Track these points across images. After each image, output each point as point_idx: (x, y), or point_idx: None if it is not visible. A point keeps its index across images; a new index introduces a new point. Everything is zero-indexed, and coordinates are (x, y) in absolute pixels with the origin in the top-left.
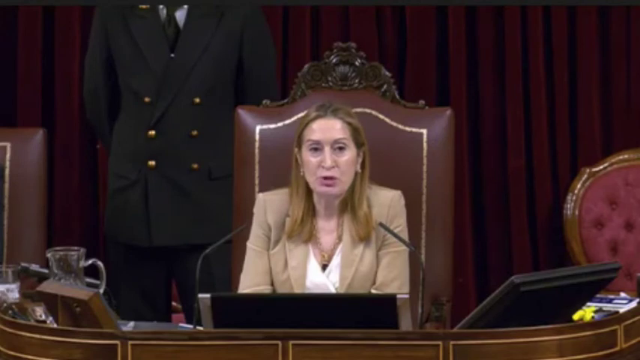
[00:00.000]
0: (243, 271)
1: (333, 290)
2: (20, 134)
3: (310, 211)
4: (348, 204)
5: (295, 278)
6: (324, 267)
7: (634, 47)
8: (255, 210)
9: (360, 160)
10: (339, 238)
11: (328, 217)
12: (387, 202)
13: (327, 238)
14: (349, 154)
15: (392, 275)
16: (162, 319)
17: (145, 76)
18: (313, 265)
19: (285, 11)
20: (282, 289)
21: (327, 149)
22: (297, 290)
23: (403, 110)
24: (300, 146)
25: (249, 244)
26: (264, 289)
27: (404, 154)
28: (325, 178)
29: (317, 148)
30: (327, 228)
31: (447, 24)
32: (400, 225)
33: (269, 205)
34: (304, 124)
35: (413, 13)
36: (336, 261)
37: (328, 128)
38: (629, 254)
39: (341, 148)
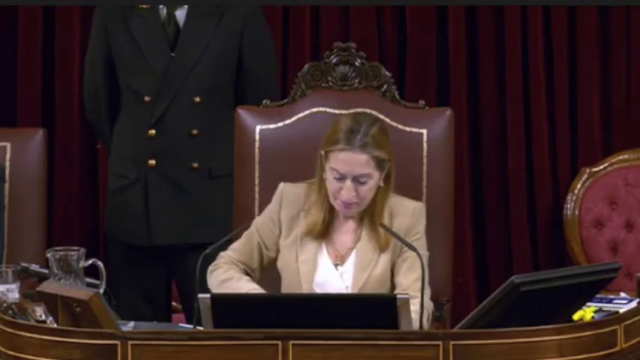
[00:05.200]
0: (238, 241)
1: (345, 290)
2: (20, 134)
3: (331, 212)
4: (368, 213)
5: (304, 272)
6: (336, 266)
7: (634, 47)
8: (274, 198)
9: (383, 175)
10: (356, 241)
11: (347, 218)
12: (408, 213)
13: (342, 238)
14: (371, 183)
15: (414, 276)
16: (163, 319)
17: (145, 75)
18: (325, 262)
19: (285, 11)
20: (291, 280)
21: (348, 182)
22: (304, 284)
23: (403, 110)
24: (325, 157)
25: (255, 221)
26: (238, 268)
27: (404, 154)
28: (343, 202)
29: (340, 178)
30: (343, 228)
31: (447, 24)
32: (419, 232)
33: (285, 199)
34: (333, 145)
35: (413, 13)
36: (350, 262)
37: (353, 164)
38: (629, 254)
39: (363, 182)
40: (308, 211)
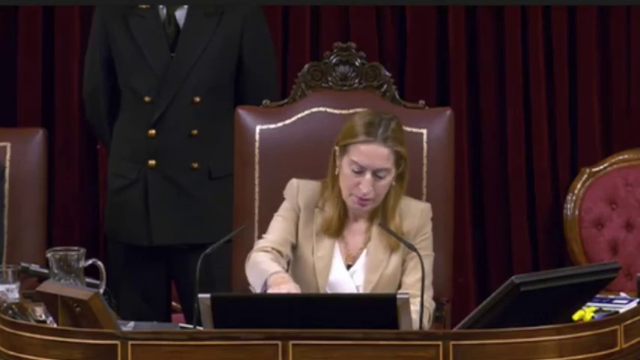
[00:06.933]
0: (268, 232)
1: (356, 291)
2: (20, 134)
3: (344, 210)
4: (380, 212)
5: (320, 269)
6: (348, 267)
7: (634, 47)
8: (287, 192)
9: (397, 173)
10: (367, 242)
11: (358, 218)
12: (417, 214)
13: (354, 238)
14: (388, 179)
15: (417, 276)
16: (162, 319)
17: (145, 75)
18: (338, 261)
19: (285, 11)
20: (306, 274)
21: (367, 175)
22: (320, 281)
23: (403, 110)
24: (342, 151)
25: (277, 215)
26: (283, 250)
27: None
28: (359, 197)
29: (359, 171)
30: (355, 229)
31: (447, 24)
32: (427, 233)
33: (301, 191)
34: (353, 138)
35: (413, 13)
36: (361, 263)
37: (375, 156)
38: (629, 254)
39: (381, 176)
40: (322, 209)
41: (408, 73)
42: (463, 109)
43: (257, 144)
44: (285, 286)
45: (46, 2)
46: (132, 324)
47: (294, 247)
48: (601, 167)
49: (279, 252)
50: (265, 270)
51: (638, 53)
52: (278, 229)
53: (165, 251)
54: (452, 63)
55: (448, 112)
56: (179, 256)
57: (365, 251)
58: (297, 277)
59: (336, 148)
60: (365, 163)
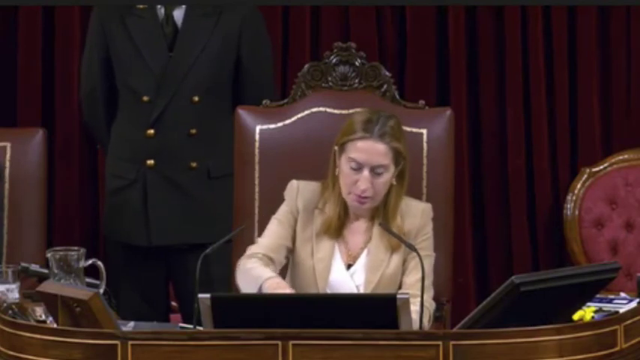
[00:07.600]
0: (263, 235)
1: (355, 291)
2: (20, 134)
3: (345, 210)
4: (381, 212)
5: (319, 271)
6: (348, 266)
7: (634, 47)
8: (287, 193)
9: (396, 171)
10: (367, 241)
11: (358, 217)
12: (418, 214)
13: (354, 238)
14: (387, 176)
15: (418, 276)
16: (162, 319)
17: (144, 75)
18: (338, 262)
19: (285, 11)
20: (305, 276)
21: (365, 172)
22: (320, 282)
23: (403, 110)
24: (341, 149)
25: (274, 217)
26: (275, 257)
27: None
28: (358, 195)
29: (357, 168)
30: (355, 228)
31: (447, 24)
32: (427, 233)
33: (301, 192)
34: (350, 135)
35: (413, 13)
36: (361, 262)
37: (372, 152)
38: (629, 254)
39: (379, 173)
40: (322, 209)
41: (408, 73)
42: (463, 109)
43: (257, 144)
44: (281, 291)
45: (46, 2)
46: (132, 324)
47: (291, 251)
48: (601, 167)
49: (269, 258)
50: (259, 276)
51: (638, 53)
52: (272, 234)
53: (165, 251)
54: (452, 63)
55: (448, 112)
56: (178, 256)
57: (366, 251)
58: (296, 280)
59: (336, 147)
60: (362, 159)
